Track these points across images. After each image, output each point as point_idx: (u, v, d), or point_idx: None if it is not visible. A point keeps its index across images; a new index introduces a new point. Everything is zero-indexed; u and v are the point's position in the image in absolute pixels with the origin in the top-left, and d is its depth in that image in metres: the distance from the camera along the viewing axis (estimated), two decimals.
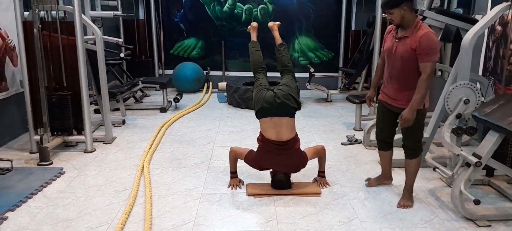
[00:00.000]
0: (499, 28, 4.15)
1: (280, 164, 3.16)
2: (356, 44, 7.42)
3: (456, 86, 3.21)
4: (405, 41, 2.78)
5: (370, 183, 3.42)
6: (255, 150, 3.26)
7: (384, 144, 3.27)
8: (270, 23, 4.02)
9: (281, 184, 3.20)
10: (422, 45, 2.67)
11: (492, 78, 4.24)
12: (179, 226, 2.72)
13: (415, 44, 2.71)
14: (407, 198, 3.09)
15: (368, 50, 6.40)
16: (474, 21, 3.46)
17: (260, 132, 3.22)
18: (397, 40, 2.84)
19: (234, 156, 3.31)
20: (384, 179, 3.44)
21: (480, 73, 4.43)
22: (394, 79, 2.93)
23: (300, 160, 3.20)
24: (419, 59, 2.72)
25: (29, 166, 3.76)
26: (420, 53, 2.70)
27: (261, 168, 3.27)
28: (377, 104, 3.26)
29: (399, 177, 3.55)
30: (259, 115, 3.19)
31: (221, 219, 2.83)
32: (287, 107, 3.15)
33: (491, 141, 2.73)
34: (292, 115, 3.18)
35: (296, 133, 3.21)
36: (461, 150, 2.91)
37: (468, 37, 3.16)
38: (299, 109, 3.24)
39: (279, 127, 3.10)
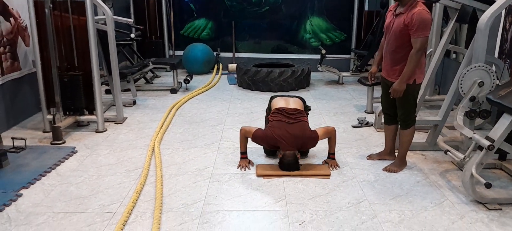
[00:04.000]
0: None
1: (289, 135, 3.14)
2: (369, 25, 7.28)
3: (471, 68, 3.15)
4: (400, 17, 3.00)
5: (371, 157, 3.57)
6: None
7: (387, 117, 3.46)
8: None
9: (289, 166, 3.21)
10: (414, 21, 2.88)
11: (508, 61, 4.14)
12: (190, 204, 2.76)
13: (408, 19, 2.92)
14: (396, 164, 3.35)
15: (381, 32, 6.28)
16: (491, 2, 3.36)
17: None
18: (394, 16, 3.08)
19: (244, 134, 3.32)
20: (385, 154, 3.55)
21: (496, 55, 4.32)
22: (389, 54, 3.17)
23: (309, 136, 3.21)
24: (411, 34, 2.93)
25: (43, 145, 3.82)
26: (411, 28, 2.91)
27: (269, 145, 3.28)
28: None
29: (410, 159, 3.53)
30: (271, 99, 3.56)
31: (230, 198, 2.85)
32: (297, 96, 3.63)
33: (505, 124, 2.68)
34: (301, 99, 3.53)
35: (305, 113, 3.40)
36: (474, 133, 2.86)
37: (485, 18, 3.07)
38: (308, 107, 3.61)
39: (287, 100, 3.47)
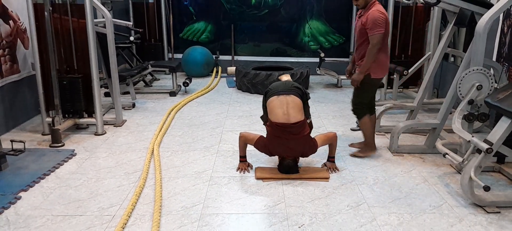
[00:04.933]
0: None
1: (289, 150, 3.16)
2: None
3: (469, 71, 3.16)
4: (361, 18, 3.42)
5: (353, 145, 3.90)
6: (265, 135, 3.27)
7: None
8: None
9: (289, 169, 3.22)
10: (369, 21, 3.30)
11: (506, 64, 4.16)
12: (189, 207, 2.75)
13: (364, 20, 3.35)
14: (362, 151, 3.70)
15: None
16: (489, 5, 3.38)
17: (268, 119, 3.25)
18: (359, 18, 3.50)
19: (243, 141, 3.31)
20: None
21: (494, 59, 4.34)
22: (356, 50, 3.59)
23: (310, 147, 3.20)
24: (368, 32, 3.33)
25: (42, 148, 3.82)
26: (367, 27, 3.32)
27: (271, 154, 3.28)
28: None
29: (408, 162, 3.55)
30: (267, 97, 3.32)
31: (230, 201, 2.85)
32: (293, 86, 3.37)
33: (503, 127, 2.69)
34: (298, 95, 3.26)
35: (305, 118, 3.22)
36: (472, 136, 2.88)
37: (483, 21, 3.09)
38: (306, 95, 3.40)
39: (285, 105, 3.16)
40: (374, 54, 3.34)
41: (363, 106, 3.58)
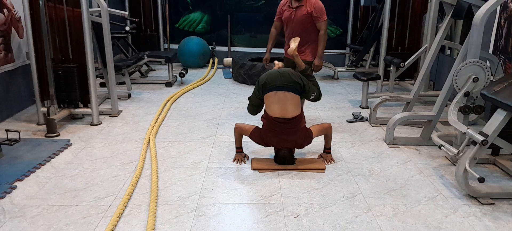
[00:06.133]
0: None
1: (284, 141, 3.16)
2: (365, 20, 7.31)
3: (466, 64, 3.17)
4: (301, 8, 3.72)
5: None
6: (260, 126, 3.27)
7: None
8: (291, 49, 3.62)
9: (285, 160, 3.22)
10: (316, 9, 3.67)
11: (503, 57, 4.17)
12: (185, 198, 2.76)
13: (311, 9, 3.67)
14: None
15: (377, 27, 6.30)
16: None
17: (264, 110, 3.25)
18: (294, 9, 3.76)
19: (239, 132, 3.31)
20: None
21: (490, 51, 4.35)
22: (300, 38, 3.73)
23: (305, 138, 3.21)
24: (315, 20, 3.70)
25: (37, 137, 3.80)
26: (315, 15, 3.68)
27: (266, 144, 3.28)
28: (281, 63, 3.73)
29: (404, 154, 3.56)
30: (264, 91, 3.20)
31: (226, 191, 2.86)
32: (292, 81, 3.15)
33: (498, 119, 2.70)
34: (296, 91, 3.17)
35: (301, 111, 3.22)
36: (468, 128, 2.89)
37: (480, 13, 3.09)
38: (304, 87, 3.24)
39: (283, 102, 3.11)
40: (326, 39, 3.77)
41: (318, 87, 3.72)
